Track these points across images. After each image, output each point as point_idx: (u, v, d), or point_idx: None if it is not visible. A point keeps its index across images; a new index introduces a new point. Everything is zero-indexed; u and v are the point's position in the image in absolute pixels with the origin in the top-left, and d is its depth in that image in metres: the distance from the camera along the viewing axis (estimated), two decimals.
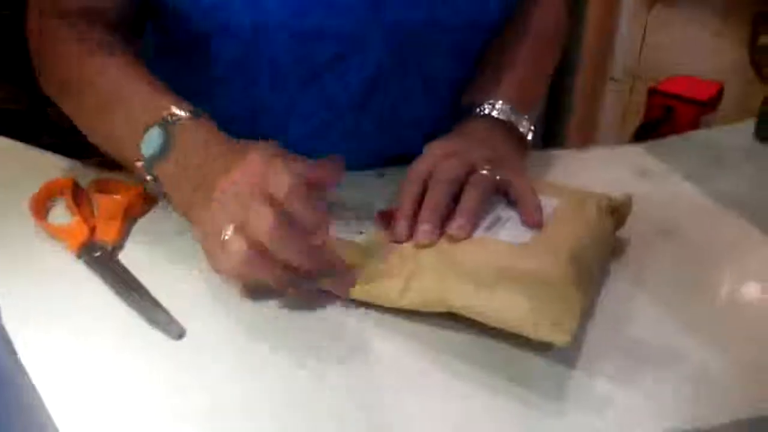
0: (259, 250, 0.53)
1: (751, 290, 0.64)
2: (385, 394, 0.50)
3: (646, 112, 1.91)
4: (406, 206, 0.61)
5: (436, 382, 0.51)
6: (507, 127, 0.71)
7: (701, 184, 0.76)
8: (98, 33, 0.69)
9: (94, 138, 0.68)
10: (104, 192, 0.66)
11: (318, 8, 0.68)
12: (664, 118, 1.86)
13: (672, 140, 0.88)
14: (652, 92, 1.90)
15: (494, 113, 0.71)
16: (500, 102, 0.71)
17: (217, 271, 0.56)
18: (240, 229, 0.53)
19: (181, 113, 0.60)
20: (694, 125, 1.83)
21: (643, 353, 0.54)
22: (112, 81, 0.65)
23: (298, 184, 0.53)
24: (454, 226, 0.58)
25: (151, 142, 0.60)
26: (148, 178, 0.61)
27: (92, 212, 0.65)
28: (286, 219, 0.52)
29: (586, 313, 0.56)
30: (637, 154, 0.83)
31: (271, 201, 0.53)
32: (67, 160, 0.73)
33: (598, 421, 0.48)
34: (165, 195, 0.62)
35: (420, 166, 0.63)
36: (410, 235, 0.59)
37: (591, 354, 0.54)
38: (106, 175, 0.69)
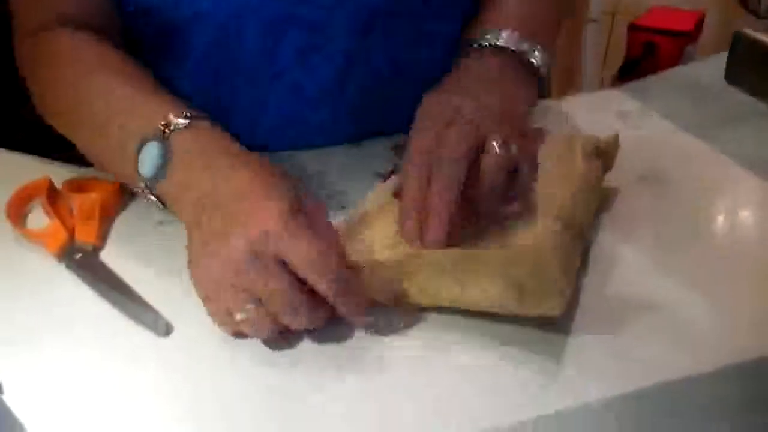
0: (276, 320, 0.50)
1: (736, 232, 0.64)
2: (377, 388, 0.49)
3: (627, 48, 1.89)
4: (412, 198, 0.55)
5: (422, 354, 0.51)
6: (516, 59, 0.63)
7: (681, 124, 0.75)
8: (87, 43, 0.66)
9: (95, 161, 0.65)
10: (79, 191, 0.65)
11: None
12: (646, 53, 1.84)
13: (650, 80, 0.86)
14: (632, 28, 1.88)
15: (500, 42, 0.64)
16: (507, 31, 0.64)
17: (221, 325, 0.52)
18: (259, 303, 0.50)
19: (178, 120, 0.56)
20: (677, 57, 1.81)
21: (628, 303, 0.54)
22: (104, 96, 0.62)
23: (319, 253, 0.49)
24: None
25: (149, 160, 0.56)
26: (153, 198, 0.58)
27: (70, 213, 0.64)
28: (302, 291, 0.49)
29: (578, 270, 0.56)
30: (616, 97, 0.82)
31: (290, 271, 0.49)
32: (38, 159, 0.72)
33: (584, 376, 0.48)
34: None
35: (421, 142, 0.56)
36: (420, 234, 0.54)
37: (577, 306, 0.53)
38: (79, 172, 0.68)
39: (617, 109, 0.78)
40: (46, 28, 0.67)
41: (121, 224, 0.64)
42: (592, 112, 0.79)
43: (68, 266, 0.59)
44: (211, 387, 0.49)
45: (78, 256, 0.60)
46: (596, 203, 0.62)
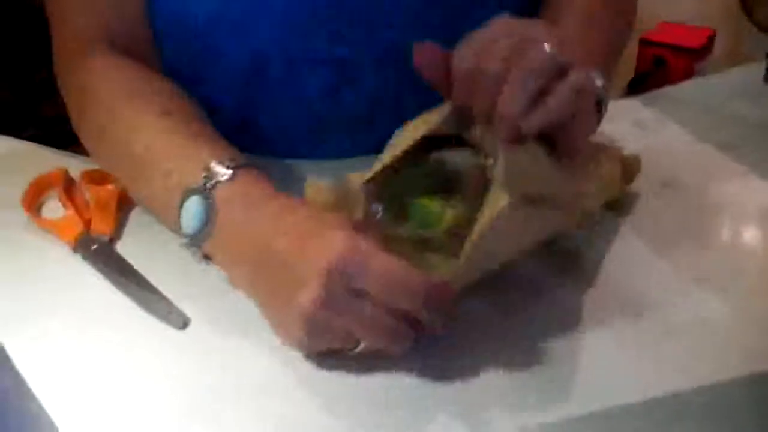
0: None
1: (755, 239, 0.64)
2: (390, 387, 0.49)
3: (637, 63, 1.89)
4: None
5: (434, 362, 0.50)
6: None
7: (699, 134, 0.75)
8: (133, 71, 0.64)
9: (137, 201, 0.63)
10: (96, 182, 0.64)
11: (312, 33, 0.65)
12: (655, 68, 1.84)
13: (666, 90, 0.87)
14: (643, 42, 1.88)
15: None
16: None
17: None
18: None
19: (221, 170, 0.53)
20: (688, 73, 1.81)
21: (645, 307, 0.54)
22: (144, 139, 0.58)
23: (396, 272, 0.46)
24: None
25: (191, 218, 0.54)
26: (198, 252, 0.55)
27: (86, 204, 0.64)
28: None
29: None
30: (633, 106, 0.81)
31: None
32: (55, 151, 0.72)
33: (601, 380, 0.48)
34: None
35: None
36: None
37: (595, 311, 0.53)
38: (96, 164, 0.68)
39: (634, 118, 0.78)
40: (90, 51, 0.64)
41: (137, 216, 0.63)
42: (609, 120, 0.78)
43: (84, 257, 0.59)
44: (227, 380, 0.49)
45: (94, 247, 0.59)
46: (604, 196, 0.61)
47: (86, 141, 0.65)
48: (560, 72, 0.50)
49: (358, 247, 0.46)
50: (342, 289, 0.46)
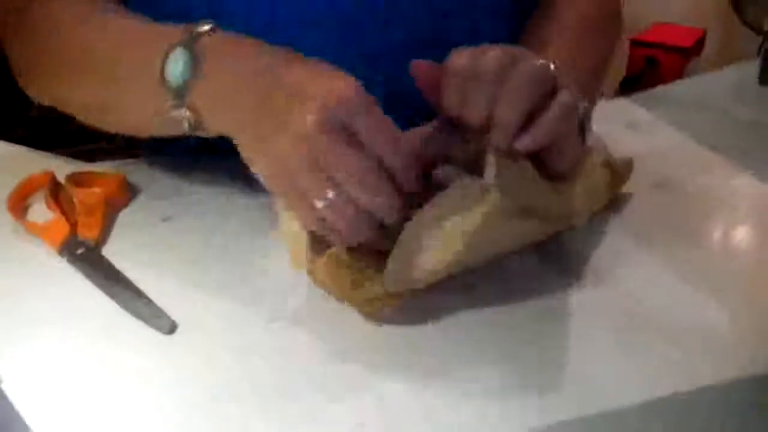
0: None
1: (750, 240, 0.63)
2: (386, 381, 0.48)
3: (629, 63, 1.90)
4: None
5: (431, 364, 0.50)
6: None
7: (692, 134, 0.75)
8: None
9: (101, 112, 0.62)
10: (82, 185, 0.64)
11: (291, 27, 0.63)
12: (647, 68, 1.85)
13: (658, 90, 0.87)
14: (635, 43, 1.88)
15: None
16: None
17: (303, 218, 0.50)
18: (339, 189, 0.47)
19: (201, 27, 0.53)
20: (679, 73, 1.82)
21: (642, 310, 0.53)
22: (111, 36, 0.59)
23: (389, 126, 0.48)
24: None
25: (178, 65, 0.52)
26: (185, 113, 0.53)
27: (72, 207, 0.63)
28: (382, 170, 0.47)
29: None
30: (626, 107, 0.81)
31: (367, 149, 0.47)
32: (42, 153, 0.71)
33: (595, 385, 0.47)
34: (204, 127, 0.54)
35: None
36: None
37: (592, 313, 0.53)
38: (83, 167, 0.67)
39: (627, 119, 0.78)
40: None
41: (125, 219, 0.63)
42: (601, 121, 0.78)
43: (69, 261, 0.58)
44: (215, 385, 0.48)
45: (80, 250, 0.58)
46: (591, 207, 0.61)
47: (47, 81, 0.64)
48: (552, 88, 0.51)
49: (363, 91, 0.47)
50: (341, 120, 0.46)
